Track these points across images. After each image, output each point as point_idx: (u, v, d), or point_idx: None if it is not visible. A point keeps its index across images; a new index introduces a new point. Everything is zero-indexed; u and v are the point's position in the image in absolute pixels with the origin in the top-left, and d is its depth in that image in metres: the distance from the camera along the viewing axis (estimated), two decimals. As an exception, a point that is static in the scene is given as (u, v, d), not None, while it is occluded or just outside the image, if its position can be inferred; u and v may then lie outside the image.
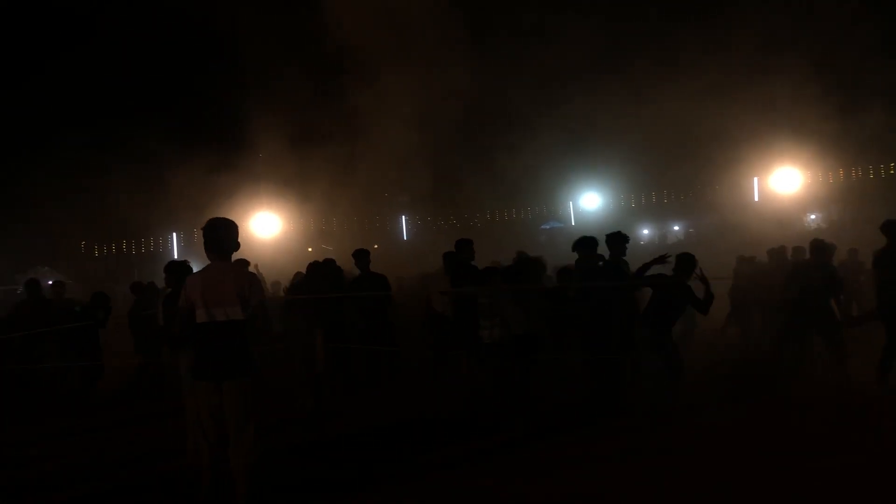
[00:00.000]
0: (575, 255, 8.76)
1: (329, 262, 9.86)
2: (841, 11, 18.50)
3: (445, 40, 18.46)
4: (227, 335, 5.00)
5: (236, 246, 5.24)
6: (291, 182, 21.62)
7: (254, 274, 5.35)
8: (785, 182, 23.92)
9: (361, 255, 9.99)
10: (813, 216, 28.53)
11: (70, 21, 24.47)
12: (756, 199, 26.85)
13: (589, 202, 29.91)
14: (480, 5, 18.59)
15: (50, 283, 11.69)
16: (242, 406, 4.97)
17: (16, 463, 7.13)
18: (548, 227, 33.52)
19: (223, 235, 5.17)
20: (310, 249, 25.72)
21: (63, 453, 7.45)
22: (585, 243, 8.56)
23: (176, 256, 26.35)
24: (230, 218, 5.29)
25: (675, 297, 7.66)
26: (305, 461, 6.73)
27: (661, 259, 7.87)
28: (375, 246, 22.06)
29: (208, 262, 5.21)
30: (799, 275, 9.23)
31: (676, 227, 34.97)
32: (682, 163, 24.32)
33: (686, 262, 7.62)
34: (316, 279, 9.57)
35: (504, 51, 19.62)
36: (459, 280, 9.07)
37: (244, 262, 9.88)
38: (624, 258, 8.60)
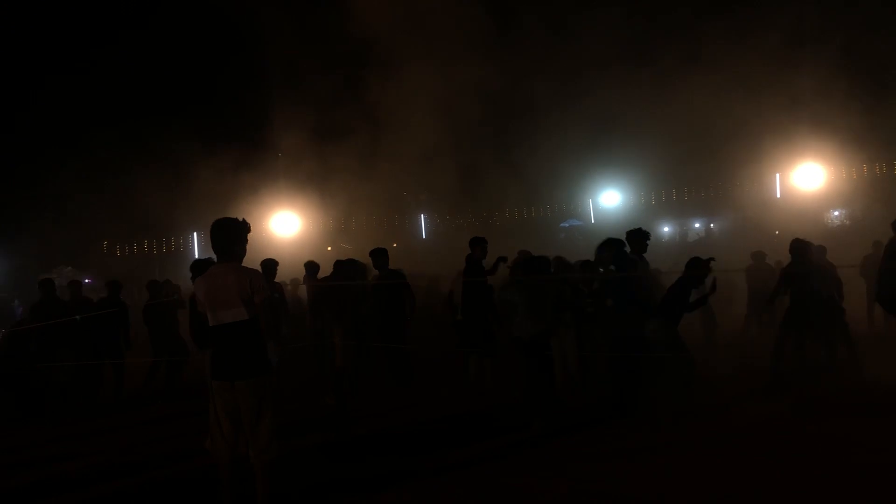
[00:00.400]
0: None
1: (353, 261, 9.87)
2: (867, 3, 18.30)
3: (467, 36, 18.47)
4: (235, 336, 5.01)
5: (242, 245, 5.19)
6: (311, 181, 21.71)
7: (256, 271, 5.18)
8: (807, 178, 23.66)
9: (379, 255, 10.04)
10: (836, 213, 28.20)
11: (94, 22, 24.75)
12: (778, 195, 26.58)
13: (609, 200, 29.75)
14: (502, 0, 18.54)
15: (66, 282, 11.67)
16: (256, 405, 5.00)
17: (38, 462, 7.24)
18: (567, 225, 33.40)
19: (226, 236, 5.15)
20: (329, 248, 25.80)
21: (84, 452, 7.55)
22: (612, 245, 8.51)
23: (197, 255, 26.54)
24: (245, 218, 5.24)
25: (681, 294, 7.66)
26: (325, 459, 6.77)
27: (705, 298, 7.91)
28: (395, 245, 22.10)
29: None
30: (786, 278, 9.13)
31: (697, 225, 34.70)
32: (703, 159, 24.12)
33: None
34: (341, 278, 9.61)
35: (526, 47, 19.55)
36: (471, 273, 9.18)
37: (272, 262, 9.99)
38: (643, 255, 8.58)
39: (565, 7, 20.05)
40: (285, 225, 23.69)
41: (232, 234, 5.15)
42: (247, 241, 5.23)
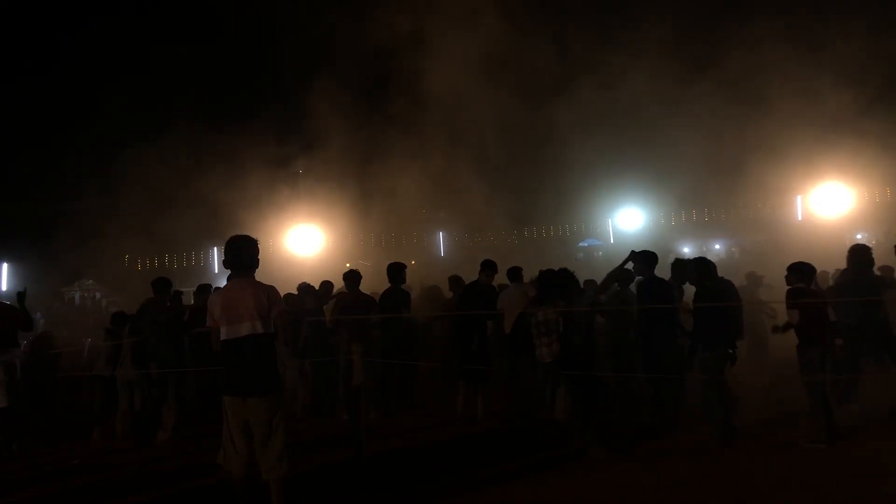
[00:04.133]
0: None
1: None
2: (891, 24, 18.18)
3: (486, 57, 18.58)
4: (248, 351, 5.04)
5: (256, 262, 5.35)
6: (330, 198, 21.80)
7: (272, 287, 5.28)
8: (828, 201, 23.43)
9: (395, 270, 9.98)
10: (859, 236, 27.87)
11: (108, 36, 25.12)
12: (799, 217, 26.32)
13: (628, 220, 29.58)
14: (515, 20, 18.60)
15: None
16: (268, 422, 5.03)
17: (55, 475, 7.27)
18: (586, 244, 33.25)
19: (242, 252, 5.30)
20: (347, 265, 25.84)
21: (103, 466, 7.57)
22: (646, 258, 8.45)
23: (216, 271, 26.69)
24: (266, 233, 5.38)
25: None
26: (340, 477, 6.74)
27: None
28: (413, 262, 22.11)
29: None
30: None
31: (718, 246, 34.40)
32: (724, 179, 23.97)
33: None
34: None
35: (546, 66, 19.57)
36: (467, 300, 9.21)
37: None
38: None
39: (584, 27, 20.08)
40: (305, 241, 23.76)
41: (247, 251, 5.31)
42: (258, 257, 5.42)
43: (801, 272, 7.54)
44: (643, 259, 8.20)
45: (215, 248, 28.49)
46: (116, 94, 21.48)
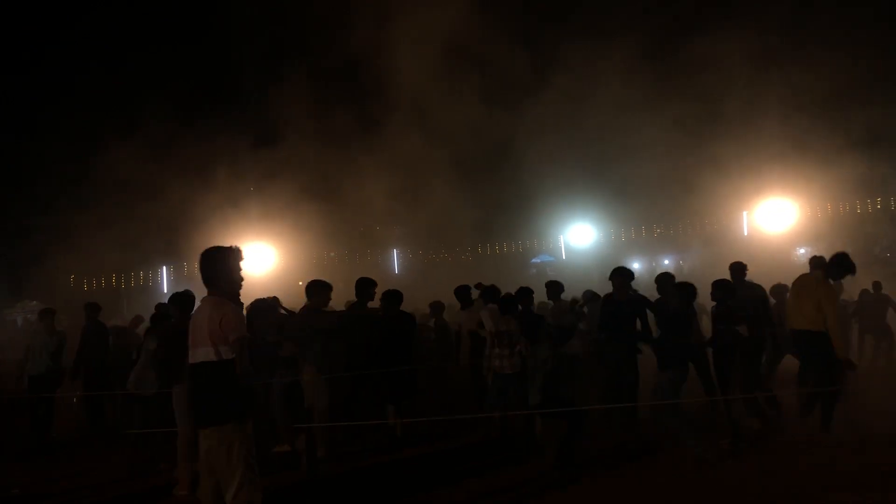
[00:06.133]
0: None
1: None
2: (840, 38, 18.78)
3: (444, 74, 18.70)
4: (202, 378, 4.70)
5: (229, 276, 4.88)
6: (282, 214, 21.63)
7: (233, 308, 4.78)
8: (773, 216, 24.04)
9: (364, 286, 9.43)
10: (802, 250, 28.61)
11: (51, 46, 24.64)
12: (745, 233, 26.96)
13: (579, 236, 29.95)
14: (469, 34, 18.78)
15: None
16: (225, 453, 4.60)
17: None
18: (538, 260, 33.56)
19: (207, 267, 4.86)
20: (301, 283, 25.57)
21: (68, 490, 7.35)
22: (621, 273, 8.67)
23: (166, 290, 26.22)
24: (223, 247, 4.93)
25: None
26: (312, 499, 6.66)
27: None
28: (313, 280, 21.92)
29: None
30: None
31: (667, 262, 35.04)
32: (673, 195, 24.43)
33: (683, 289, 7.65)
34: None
35: (501, 85, 19.80)
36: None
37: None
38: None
39: (538, 45, 20.36)
40: (257, 260, 23.45)
41: (215, 265, 4.87)
42: (238, 269, 4.93)
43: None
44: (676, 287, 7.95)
45: (164, 268, 28.02)
46: (59, 107, 21.06)
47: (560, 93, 19.38)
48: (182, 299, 7.52)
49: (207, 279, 4.85)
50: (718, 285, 8.14)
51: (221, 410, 4.65)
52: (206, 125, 21.02)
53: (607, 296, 8.80)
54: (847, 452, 6.78)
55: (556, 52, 19.78)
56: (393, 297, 8.67)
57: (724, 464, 6.89)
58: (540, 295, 9.65)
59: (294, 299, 10.14)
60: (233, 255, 4.91)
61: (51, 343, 9.83)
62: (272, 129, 20.70)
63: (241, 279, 4.99)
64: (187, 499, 6.72)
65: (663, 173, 20.78)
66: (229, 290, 4.89)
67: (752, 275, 9.63)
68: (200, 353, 4.67)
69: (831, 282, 8.15)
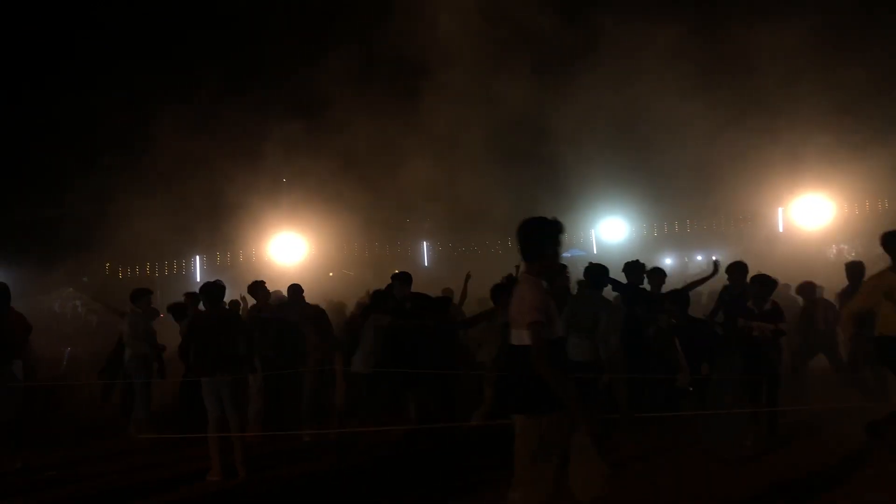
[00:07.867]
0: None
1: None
2: (876, 36, 18.38)
3: (470, 66, 18.63)
4: (509, 360, 4.42)
5: (536, 251, 4.39)
6: (314, 207, 21.77)
7: (529, 289, 4.24)
8: (809, 213, 23.67)
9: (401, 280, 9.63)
10: (834, 248, 28.11)
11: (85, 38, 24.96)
12: (780, 229, 26.58)
13: (611, 230, 29.72)
14: (501, 29, 18.68)
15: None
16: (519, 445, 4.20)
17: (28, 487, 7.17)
18: (569, 254, 33.37)
19: (519, 239, 4.42)
20: (331, 274, 25.79)
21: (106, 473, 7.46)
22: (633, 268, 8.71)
23: (198, 279, 26.53)
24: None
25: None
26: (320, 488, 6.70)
27: None
28: (396, 271, 22.01)
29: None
30: None
31: (699, 257, 34.60)
32: (707, 190, 24.16)
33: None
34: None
35: (529, 75, 19.65)
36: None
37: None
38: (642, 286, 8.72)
39: (565, 37, 20.14)
40: (288, 249, 23.66)
41: (526, 238, 4.40)
42: (552, 243, 4.40)
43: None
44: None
45: (198, 257, 28.35)
46: (94, 101, 21.35)
47: (595, 85, 19.20)
48: (209, 290, 7.41)
49: (522, 252, 4.43)
50: (757, 280, 7.98)
51: (512, 398, 4.31)
52: (239, 118, 21.12)
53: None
54: (886, 454, 6.63)
55: (589, 43, 19.55)
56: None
57: (758, 458, 6.85)
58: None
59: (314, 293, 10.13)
60: (549, 226, 4.39)
61: (150, 326, 9.42)
62: (305, 118, 20.76)
63: (556, 255, 4.43)
64: (220, 484, 6.82)
65: (698, 167, 20.54)
66: (538, 266, 4.41)
67: (783, 272, 9.50)
68: (513, 335, 4.31)
69: None
